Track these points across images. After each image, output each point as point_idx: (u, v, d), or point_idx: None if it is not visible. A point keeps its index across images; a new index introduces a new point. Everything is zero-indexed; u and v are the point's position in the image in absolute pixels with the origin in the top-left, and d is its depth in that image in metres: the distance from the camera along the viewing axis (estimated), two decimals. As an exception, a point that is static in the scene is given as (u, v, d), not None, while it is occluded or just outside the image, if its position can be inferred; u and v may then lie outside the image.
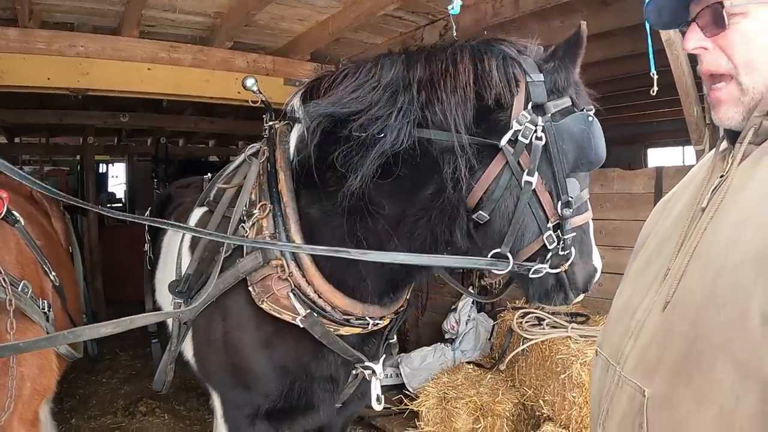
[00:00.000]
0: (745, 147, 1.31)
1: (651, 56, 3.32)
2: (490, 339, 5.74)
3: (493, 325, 5.67)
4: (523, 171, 2.18)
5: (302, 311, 2.51)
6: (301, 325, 2.53)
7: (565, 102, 2.24)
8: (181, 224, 2.76)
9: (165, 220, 2.62)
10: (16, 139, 11.97)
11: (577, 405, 4.09)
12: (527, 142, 2.17)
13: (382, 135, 2.28)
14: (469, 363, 5.48)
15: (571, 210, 2.20)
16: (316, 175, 2.52)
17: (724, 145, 1.46)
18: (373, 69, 2.38)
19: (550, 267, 2.25)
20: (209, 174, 3.54)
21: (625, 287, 1.60)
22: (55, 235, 3.59)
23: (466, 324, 6.03)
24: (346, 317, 2.57)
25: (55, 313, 2.74)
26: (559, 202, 2.20)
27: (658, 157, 11.88)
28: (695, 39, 1.37)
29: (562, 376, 4.22)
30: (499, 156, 2.22)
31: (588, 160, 2.21)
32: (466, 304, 6.15)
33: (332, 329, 2.57)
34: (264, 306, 2.54)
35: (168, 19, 4.72)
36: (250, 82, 2.98)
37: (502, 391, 4.82)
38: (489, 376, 5.11)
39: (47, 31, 4.51)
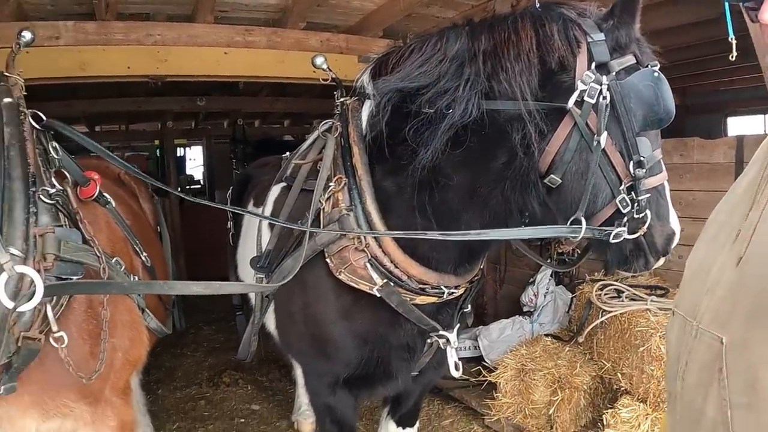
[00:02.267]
0: None
1: (729, 21, 3.20)
2: (568, 312, 5.72)
3: (572, 298, 5.64)
4: (592, 132, 2.18)
5: (379, 281, 2.56)
6: (378, 295, 2.58)
7: (629, 59, 2.22)
8: (256, 212, 2.88)
9: (242, 208, 2.75)
10: (97, 128, 12.41)
11: (655, 378, 4.07)
12: (593, 101, 2.16)
13: (451, 107, 2.30)
14: (547, 336, 5.48)
15: (644, 170, 2.17)
16: (389, 149, 2.57)
17: None
18: (439, 42, 2.40)
19: (628, 232, 2.22)
20: (287, 153, 3.63)
21: (697, 252, 1.61)
22: (144, 215, 3.74)
23: (545, 297, 6.01)
24: (421, 286, 2.60)
25: (146, 291, 2.88)
26: (631, 162, 2.18)
27: (738, 125, 11.41)
28: None
29: (641, 348, 4.20)
30: (567, 118, 2.22)
31: (657, 117, 2.18)
32: (544, 277, 6.12)
33: (408, 298, 2.61)
34: (342, 277, 2.60)
35: (241, 3, 4.79)
36: (319, 60, 3.05)
37: (580, 363, 4.82)
38: (567, 348, 5.11)
39: (124, 23, 4.63)
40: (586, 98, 2.17)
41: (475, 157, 2.38)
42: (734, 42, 3.08)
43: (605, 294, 4.90)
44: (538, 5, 2.35)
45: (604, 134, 2.15)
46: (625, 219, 2.21)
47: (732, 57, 3.07)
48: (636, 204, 2.19)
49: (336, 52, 5.34)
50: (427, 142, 2.37)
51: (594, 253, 2.55)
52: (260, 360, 6.56)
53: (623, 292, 4.85)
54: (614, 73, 2.18)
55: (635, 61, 2.22)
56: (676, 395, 1.48)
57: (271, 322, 3.20)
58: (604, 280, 5.11)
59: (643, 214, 2.20)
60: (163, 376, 6.69)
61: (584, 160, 2.22)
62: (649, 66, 2.20)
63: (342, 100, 2.91)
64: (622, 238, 2.22)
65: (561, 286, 6.11)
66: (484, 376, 5.29)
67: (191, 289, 2.28)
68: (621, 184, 2.21)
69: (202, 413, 5.81)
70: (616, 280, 5.05)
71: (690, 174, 4.98)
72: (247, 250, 3.51)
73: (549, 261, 5.66)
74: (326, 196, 2.64)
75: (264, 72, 5.29)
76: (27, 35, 2.46)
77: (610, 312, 4.62)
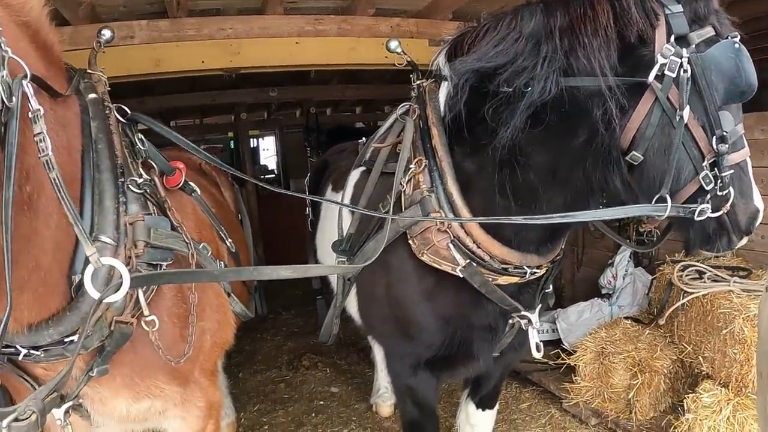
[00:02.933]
0: None
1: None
2: (648, 294, 5.62)
3: (652, 280, 5.54)
4: (674, 107, 2.14)
5: (462, 261, 2.57)
6: (461, 275, 2.59)
7: (708, 31, 2.17)
8: (332, 200, 2.92)
9: (317, 196, 2.85)
10: (171, 122, 12.71)
11: (738, 362, 3.99)
12: (674, 75, 2.12)
13: (530, 86, 2.29)
14: (626, 318, 5.40)
15: (727, 145, 2.12)
16: (468, 130, 2.57)
17: None
18: (513, 21, 2.38)
19: (711, 209, 2.17)
20: (363, 138, 3.66)
21: None
22: (226, 203, 3.84)
23: (624, 279, 5.91)
24: (504, 266, 2.60)
25: (232, 276, 2.97)
26: (714, 137, 2.13)
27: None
28: None
29: (724, 331, 4.12)
30: (648, 93, 2.19)
31: (739, 90, 2.12)
32: (623, 259, 6.02)
33: (490, 279, 2.62)
34: (424, 258, 2.62)
35: (310, -7, 4.86)
36: (393, 44, 3.07)
37: (661, 347, 4.76)
38: (647, 331, 5.03)
39: (195, 18, 4.69)
40: (666, 72, 2.13)
41: (556, 136, 2.37)
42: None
43: (686, 275, 4.79)
44: None
45: (687, 109, 2.12)
46: (708, 196, 2.17)
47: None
48: (719, 181, 2.14)
49: (407, 37, 5.31)
50: (507, 121, 2.37)
51: (676, 232, 2.49)
52: (339, 343, 6.68)
53: (705, 273, 4.72)
54: (694, 46, 2.13)
55: (714, 33, 2.17)
56: None
57: (352, 305, 3.25)
58: (684, 261, 4.99)
59: (726, 191, 2.15)
60: (243, 359, 6.88)
61: (667, 136, 2.18)
62: (730, 37, 2.15)
63: (419, 82, 2.92)
64: (705, 216, 2.18)
65: (640, 267, 5.99)
66: (562, 360, 5.27)
67: (279, 273, 2.34)
68: (704, 161, 2.16)
69: (282, 395, 5.96)
70: (698, 261, 4.92)
71: (772, 150, 4.79)
72: (326, 234, 3.57)
73: (629, 241, 5.54)
74: (407, 178, 2.67)
75: (335, 60, 5.31)
76: (107, 33, 2.57)
77: (692, 293, 4.53)
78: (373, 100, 12.01)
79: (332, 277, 3.47)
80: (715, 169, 2.15)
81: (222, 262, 2.80)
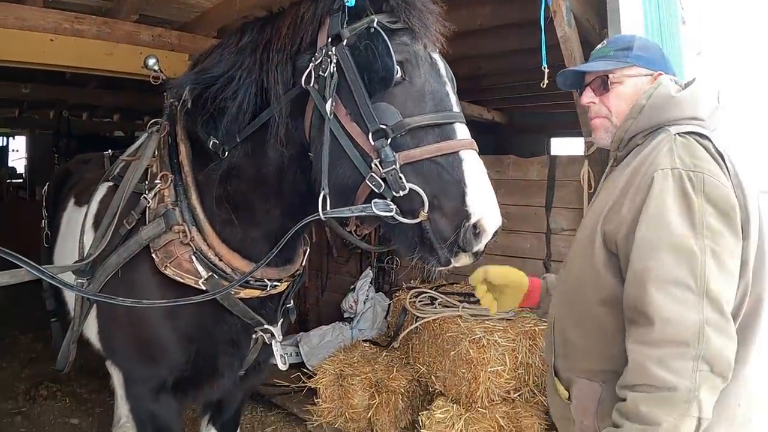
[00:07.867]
0: (614, 156, 2.20)
1: (544, 51, 3.49)
2: (386, 318, 5.96)
3: (389, 304, 5.89)
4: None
5: (204, 274, 2.58)
6: (204, 288, 2.58)
7: (363, 23, 2.13)
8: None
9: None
10: None
11: (466, 380, 4.33)
12: (325, 74, 2.13)
13: (235, 95, 2.40)
14: (365, 341, 5.69)
15: (388, 139, 2.01)
16: (201, 144, 2.66)
17: None
18: (235, 36, 2.50)
19: (402, 214, 2.02)
20: (110, 150, 3.53)
21: None
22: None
23: (364, 303, 6.25)
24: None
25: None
26: (370, 133, 2.04)
27: (561, 146, 12.13)
28: (588, 96, 2.22)
29: (452, 353, 4.45)
30: (311, 95, 2.22)
31: (379, 76, 2.05)
32: (364, 284, 6.36)
33: (233, 292, 2.63)
34: (167, 271, 2.58)
35: (74, -12, 4.62)
36: (151, 61, 3.02)
37: (397, 368, 5.06)
38: (384, 353, 5.34)
39: (-56, -2, 4.30)
40: (320, 73, 2.14)
41: (257, 147, 2.49)
42: (546, 71, 3.41)
43: (420, 301, 5.18)
44: None
45: (329, 102, 2.10)
46: (389, 198, 2.04)
47: (543, 84, 3.39)
48: (389, 180, 2.01)
49: (167, 49, 5.25)
50: (218, 130, 2.51)
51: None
52: (78, 371, 6.20)
53: (437, 299, 5.14)
54: (345, 40, 2.12)
55: (368, 24, 2.12)
56: None
57: (91, 328, 3.06)
58: (419, 287, 5.41)
59: (403, 192, 1.99)
60: (-25, 389, 6.16)
61: (322, 133, 2.16)
62: (368, 25, 2.11)
63: (171, 100, 2.88)
64: (387, 214, 2.02)
65: (380, 293, 6.36)
66: (304, 383, 5.42)
67: None
68: (372, 160, 2.05)
69: (18, 430, 5.43)
70: (433, 288, 5.36)
71: (504, 189, 5.39)
72: (67, 250, 3.37)
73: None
74: (152, 193, 2.64)
75: (91, 63, 5.06)
76: None
77: (423, 318, 4.89)
78: (132, 108, 11.45)
79: (69, 297, 3.28)
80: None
81: None
